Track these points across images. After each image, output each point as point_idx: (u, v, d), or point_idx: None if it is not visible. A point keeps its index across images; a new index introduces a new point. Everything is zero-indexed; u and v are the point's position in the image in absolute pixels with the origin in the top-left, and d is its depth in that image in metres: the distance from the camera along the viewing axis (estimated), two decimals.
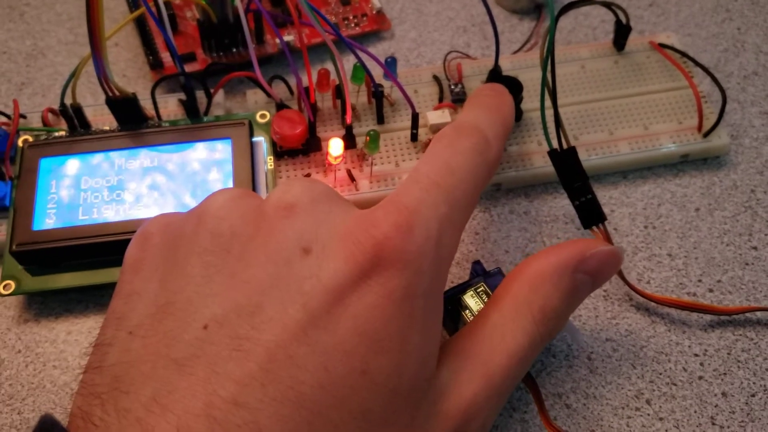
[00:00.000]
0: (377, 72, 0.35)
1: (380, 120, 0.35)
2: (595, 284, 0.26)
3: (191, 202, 0.31)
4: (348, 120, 0.33)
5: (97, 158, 0.32)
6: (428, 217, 0.23)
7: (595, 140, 0.35)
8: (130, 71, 0.39)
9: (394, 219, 0.22)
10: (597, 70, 0.37)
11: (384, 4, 0.41)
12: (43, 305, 0.32)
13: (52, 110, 0.35)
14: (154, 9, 0.32)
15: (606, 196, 0.34)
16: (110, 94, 0.32)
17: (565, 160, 0.32)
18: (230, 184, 0.32)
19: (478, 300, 0.30)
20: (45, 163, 0.32)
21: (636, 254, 0.33)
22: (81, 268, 0.31)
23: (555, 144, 0.32)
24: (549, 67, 0.31)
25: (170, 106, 0.36)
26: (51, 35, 0.41)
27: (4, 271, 0.31)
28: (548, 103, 0.31)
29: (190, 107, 0.35)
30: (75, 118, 0.34)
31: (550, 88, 0.31)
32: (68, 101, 0.34)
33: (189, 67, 0.37)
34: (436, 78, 0.37)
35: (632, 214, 0.34)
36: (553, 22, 0.30)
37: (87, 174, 0.32)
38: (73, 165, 0.32)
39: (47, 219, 0.31)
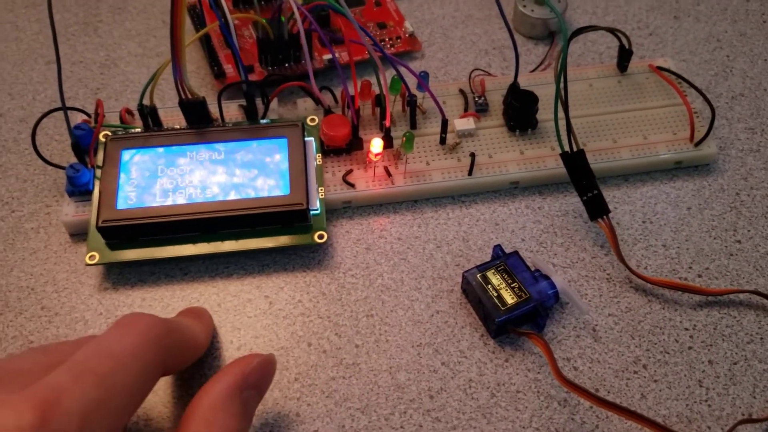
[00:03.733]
0: (411, 85, 0.40)
1: (413, 125, 0.40)
2: (261, 393, 0.29)
3: (251, 191, 0.36)
4: (387, 123, 0.39)
5: (171, 150, 0.37)
6: (70, 409, 0.22)
7: (600, 147, 0.40)
8: (193, 81, 0.44)
9: (27, 413, 0.21)
10: (603, 88, 0.42)
11: (415, 28, 0.47)
12: (120, 275, 0.37)
13: (128, 110, 0.40)
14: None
15: (610, 195, 0.39)
16: (183, 96, 0.37)
17: (575, 160, 0.37)
18: (287, 176, 0.37)
19: (498, 277, 0.35)
20: (126, 154, 0.37)
21: (635, 244, 0.38)
22: (153, 244, 0.36)
23: (566, 148, 0.37)
24: (562, 82, 0.36)
25: (231, 110, 0.41)
26: (122, 48, 0.46)
27: (89, 245, 0.36)
28: (561, 114, 0.36)
29: (249, 111, 0.40)
30: (150, 117, 0.39)
31: (562, 99, 0.36)
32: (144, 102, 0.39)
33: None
34: (461, 91, 0.42)
35: (632, 211, 0.39)
36: (565, 43, 0.36)
37: (162, 163, 0.37)
38: (149, 156, 0.37)
39: (128, 200, 0.36)
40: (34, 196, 0.39)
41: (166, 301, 0.36)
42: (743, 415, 0.32)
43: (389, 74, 0.40)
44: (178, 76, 0.36)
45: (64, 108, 0.37)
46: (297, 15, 0.37)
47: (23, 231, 0.38)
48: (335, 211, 0.39)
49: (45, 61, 0.45)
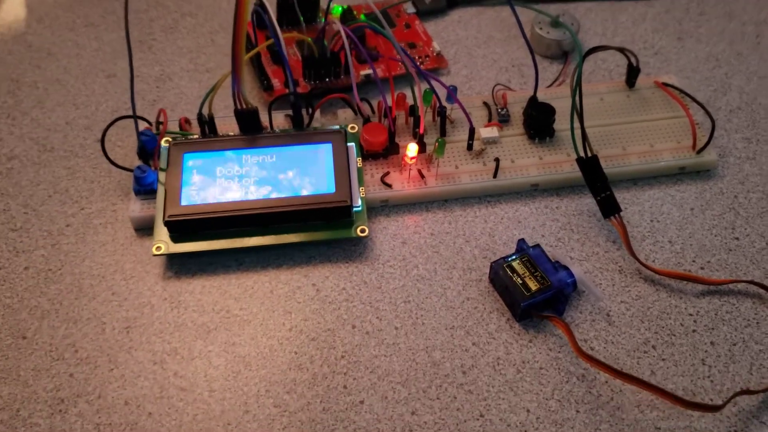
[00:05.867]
0: (441, 97, 0.44)
1: (442, 133, 0.45)
2: None
3: (300, 190, 0.41)
4: (421, 130, 0.43)
5: (228, 154, 0.42)
6: None
7: (611, 154, 0.44)
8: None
9: None
10: (613, 102, 0.47)
11: (442, 47, 0.51)
12: (182, 266, 0.41)
13: (186, 119, 0.45)
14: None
15: (620, 197, 0.43)
16: (240, 106, 0.42)
17: (590, 165, 0.41)
18: (332, 176, 0.41)
19: (523, 266, 0.39)
20: (187, 157, 0.42)
21: (644, 240, 0.42)
22: (212, 237, 0.40)
23: (582, 153, 0.41)
24: (577, 95, 0.40)
25: (278, 120, 0.45)
26: (175, 64, 0.51)
27: (155, 237, 0.40)
28: (576, 124, 0.41)
29: (296, 120, 0.44)
30: (207, 125, 0.43)
31: (578, 110, 0.41)
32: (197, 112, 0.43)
33: None
34: (485, 104, 0.47)
35: (641, 211, 0.43)
36: (580, 59, 0.40)
37: (219, 165, 0.41)
38: (208, 159, 0.42)
39: (190, 198, 0.40)
40: (101, 195, 0.44)
41: (223, 288, 0.40)
42: (741, 389, 0.36)
43: (421, 88, 0.44)
44: (237, 87, 0.41)
45: (135, 117, 0.41)
46: (343, 35, 0.42)
47: (92, 226, 0.42)
48: (374, 209, 0.43)
49: (105, 75, 0.50)
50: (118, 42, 0.52)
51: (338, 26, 0.42)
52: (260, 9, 0.41)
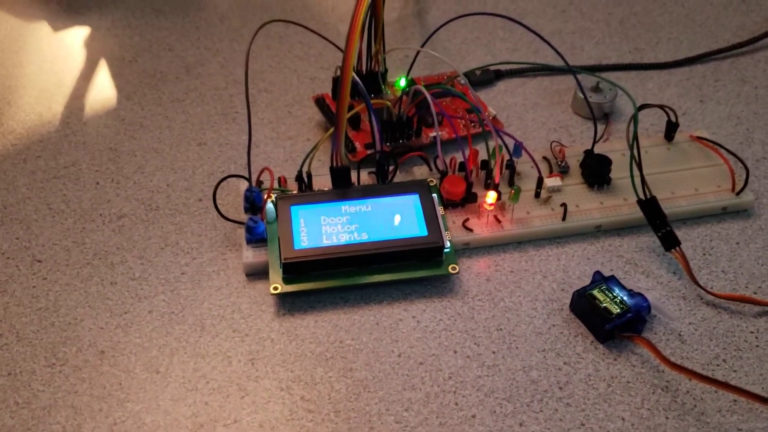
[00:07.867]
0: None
1: (511, 184, 0.50)
2: None
3: (395, 234, 0.46)
4: (496, 180, 0.49)
5: (329, 205, 0.47)
6: None
7: (662, 197, 0.50)
8: (323, 156, 0.54)
9: None
10: (656, 154, 0.53)
11: (498, 112, 0.58)
12: (293, 304, 0.45)
13: (284, 178, 0.50)
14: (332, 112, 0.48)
15: None
16: (337, 163, 0.47)
17: (650, 205, 0.47)
18: (423, 222, 0.46)
19: (603, 294, 0.44)
20: (294, 209, 0.47)
21: (700, 271, 0.47)
22: (319, 278, 0.45)
23: (641, 196, 0.47)
24: (635, 144, 0.46)
25: (362, 177, 0.50)
26: (259, 133, 0.56)
27: (271, 279, 0.45)
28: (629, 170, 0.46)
29: (380, 175, 0.50)
30: (305, 181, 0.49)
31: (636, 158, 0.47)
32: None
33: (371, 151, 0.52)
34: (545, 158, 0.53)
35: (693, 246, 0.49)
36: (636, 112, 0.47)
37: (323, 214, 0.46)
38: (313, 209, 0.47)
39: (302, 242, 0.45)
40: (209, 246, 0.48)
41: (333, 322, 0.44)
42: None
43: (479, 144, 0.50)
44: (337, 146, 0.46)
45: (249, 178, 0.47)
46: (428, 97, 0.48)
47: (206, 273, 0.47)
48: (457, 251, 0.48)
49: (196, 143, 0.55)
50: (203, 114, 0.58)
51: (427, 96, 0.48)
52: (357, 80, 0.47)
